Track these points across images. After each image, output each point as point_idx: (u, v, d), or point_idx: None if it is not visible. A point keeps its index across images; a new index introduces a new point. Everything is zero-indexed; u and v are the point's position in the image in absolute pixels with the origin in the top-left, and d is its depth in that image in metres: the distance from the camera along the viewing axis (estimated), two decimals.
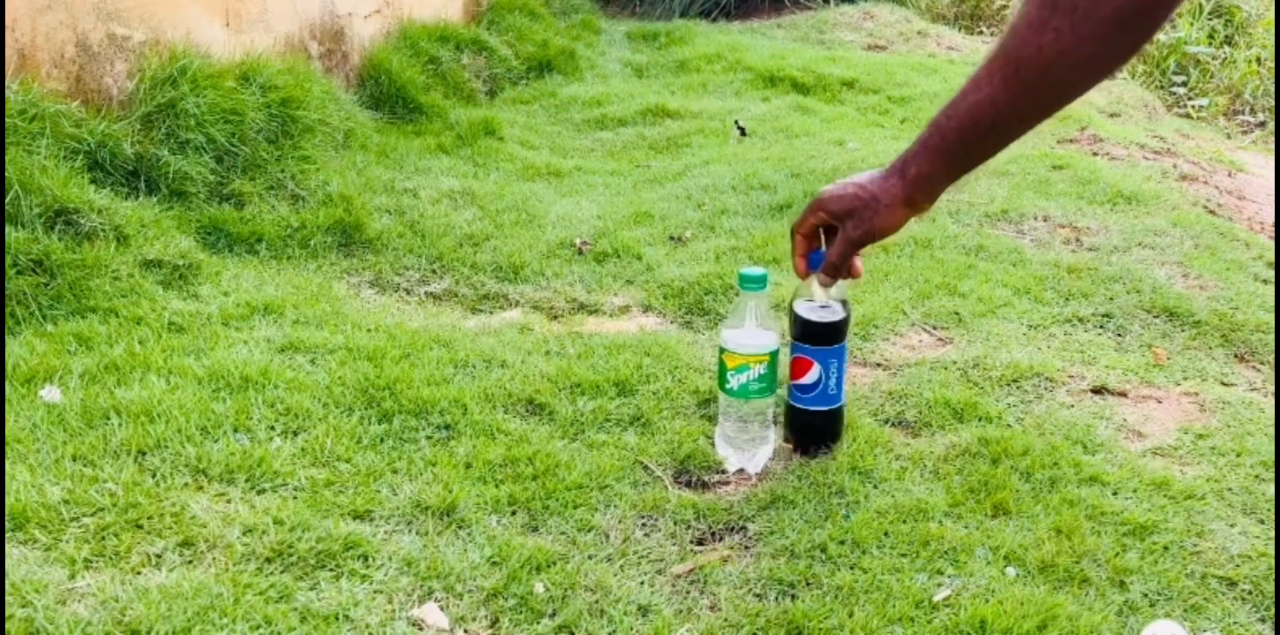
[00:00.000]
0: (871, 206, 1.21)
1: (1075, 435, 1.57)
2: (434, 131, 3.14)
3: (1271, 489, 1.47)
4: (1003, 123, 1.07)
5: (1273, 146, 4.36)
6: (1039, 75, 1.00)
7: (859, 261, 1.32)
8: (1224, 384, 1.81)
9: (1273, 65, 4.95)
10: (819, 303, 1.43)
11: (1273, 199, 3.15)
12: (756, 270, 1.43)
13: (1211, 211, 2.76)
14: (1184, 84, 5.19)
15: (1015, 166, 2.92)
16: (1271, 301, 2.14)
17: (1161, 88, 5.14)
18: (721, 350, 1.45)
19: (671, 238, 2.39)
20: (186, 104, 2.23)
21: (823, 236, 1.32)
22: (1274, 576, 1.26)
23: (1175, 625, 0.78)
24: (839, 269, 1.31)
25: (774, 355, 1.45)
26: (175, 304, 1.82)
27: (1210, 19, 5.38)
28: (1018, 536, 1.32)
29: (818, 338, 1.43)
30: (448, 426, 1.51)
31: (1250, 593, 1.26)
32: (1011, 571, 1.26)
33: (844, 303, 1.45)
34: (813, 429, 1.49)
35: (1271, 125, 4.77)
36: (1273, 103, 4.92)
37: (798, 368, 1.46)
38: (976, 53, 4.89)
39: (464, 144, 3.07)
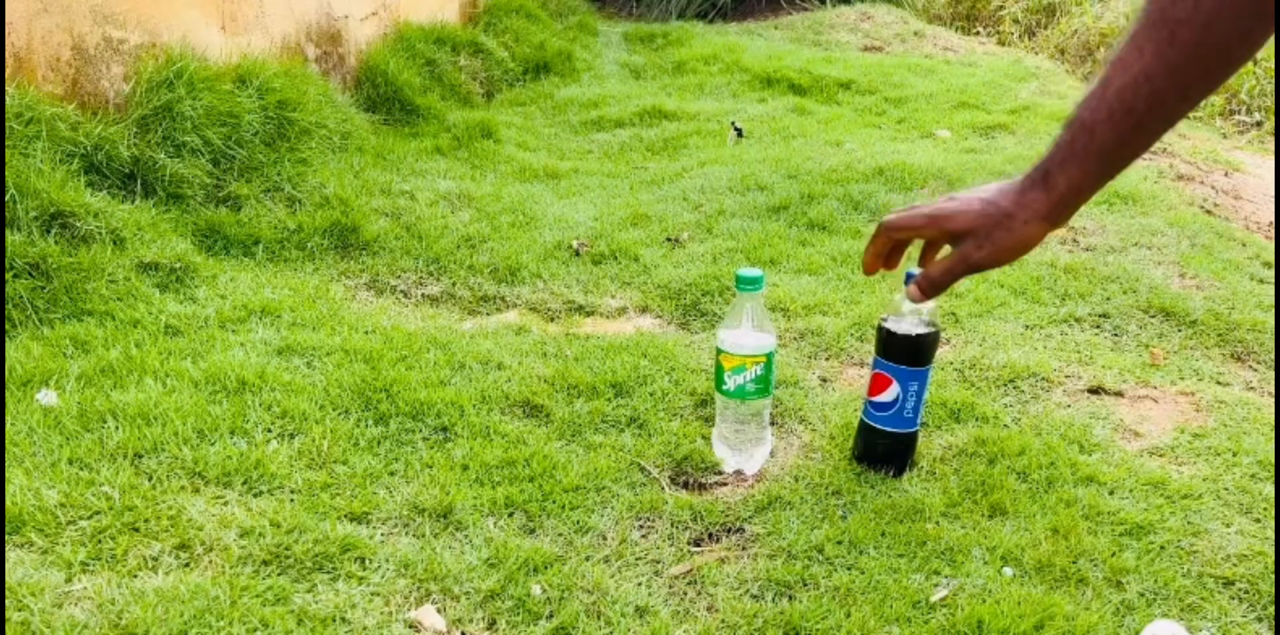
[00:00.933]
0: (1003, 224, 1.06)
1: (1072, 435, 1.57)
2: (431, 133, 3.15)
3: (1268, 488, 1.47)
4: (1161, 101, 0.94)
5: (1270, 146, 4.36)
6: (1200, 35, 0.88)
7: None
8: (1220, 384, 1.81)
9: (1270, 66, 4.96)
10: (906, 318, 1.38)
11: (1270, 199, 3.15)
12: (753, 271, 1.43)
13: (1208, 211, 2.77)
14: None
15: (1012, 167, 2.92)
16: (1268, 301, 2.14)
17: None
18: (718, 351, 1.45)
19: (669, 239, 2.39)
20: (183, 106, 2.23)
21: (923, 250, 1.20)
22: (1274, 576, 1.25)
23: (1175, 625, 0.78)
24: (942, 289, 1.16)
25: (770, 356, 1.44)
26: (172, 307, 1.82)
27: None
28: (1015, 536, 1.32)
29: (899, 355, 1.39)
30: (445, 428, 1.51)
31: (1247, 592, 1.26)
32: (1008, 571, 1.26)
33: (934, 324, 1.40)
34: (879, 448, 1.46)
35: (1269, 125, 4.77)
36: (1270, 103, 4.92)
37: (876, 384, 1.42)
38: (973, 53, 4.89)
39: (461, 146, 3.07)
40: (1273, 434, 1.61)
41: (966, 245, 1.09)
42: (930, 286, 1.16)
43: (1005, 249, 1.07)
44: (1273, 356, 1.93)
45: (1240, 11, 0.85)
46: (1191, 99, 0.94)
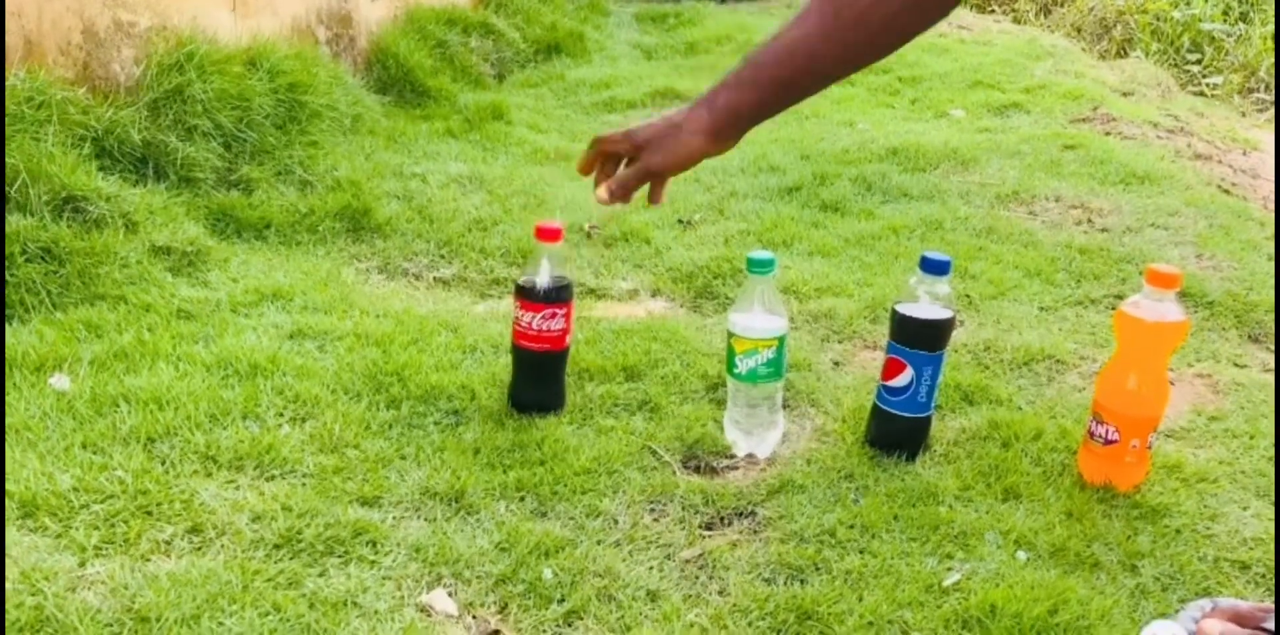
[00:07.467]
0: (673, 134, 1.23)
1: (1087, 419, 1.56)
2: (442, 115, 3.13)
3: None
4: (820, 61, 1.14)
5: None
6: (857, 19, 1.08)
7: (664, 189, 1.31)
8: (1237, 366, 1.79)
9: None
10: (921, 303, 1.39)
11: None
12: (764, 254, 1.42)
13: (1225, 191, 2.74)
14: (1198, 62, 5.13)
15: (1027, 146, 2.89)
16: None
17: (1175, 66, 5.08)
18: (730, 335, 1.44)
19: (680, 221, 2.37)
20: (193, 90, 2.23)
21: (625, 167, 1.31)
22: (1274, 560, 1.24)
23: (1175, 625, 0.77)
24: (628, 191, 1.30)
25: (782, 339, 1.44)
26: (184, 291, 1.82)
27: None
28: (1028, 520, 1.31)
29: (914, 339, 1.39)
30: (456, 412, 1.51)
31: (1263, 576, 1.25)
32: (1022, 555, 1.25)
33: (949, 308, 1.40)
34: (892, 433, 1.45)
35: None
36: None
37: (890, 368, 1.42)
38: (988, 31, 4.84)
39: (472, 128, 3.06)
40: None
41: (645, 153, 1.25)
42: (619, 188, 1.29)
43: (674, 157, 1.24)
44: None
45: (890, 11, 1.07)
46: (848, 65, 1.16)
